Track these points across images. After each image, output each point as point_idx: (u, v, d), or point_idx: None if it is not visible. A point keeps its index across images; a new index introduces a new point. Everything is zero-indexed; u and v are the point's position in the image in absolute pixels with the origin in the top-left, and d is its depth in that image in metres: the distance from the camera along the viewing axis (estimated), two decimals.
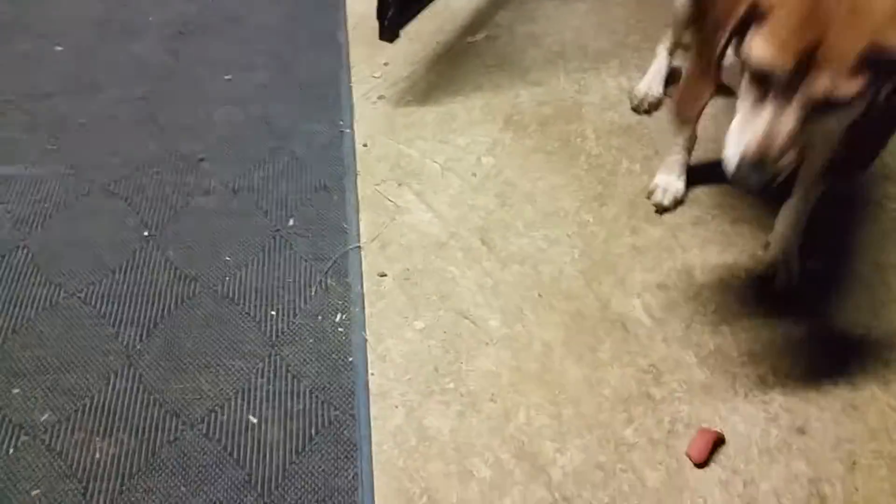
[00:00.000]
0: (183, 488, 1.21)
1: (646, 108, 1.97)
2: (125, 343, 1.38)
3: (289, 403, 1.33)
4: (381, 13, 1.88)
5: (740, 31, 1.07)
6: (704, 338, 1.46)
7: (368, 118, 1.96)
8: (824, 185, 1.50)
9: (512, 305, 1.52)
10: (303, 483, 1.22)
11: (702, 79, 1.19)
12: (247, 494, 1.21)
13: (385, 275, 1.57)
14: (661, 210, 1.70)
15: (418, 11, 2.09)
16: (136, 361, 1.36)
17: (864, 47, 0.96)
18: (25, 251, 1.54)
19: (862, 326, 1.50)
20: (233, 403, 1.32)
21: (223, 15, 2.31)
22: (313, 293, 1.51)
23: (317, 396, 1.34)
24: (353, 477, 1.23)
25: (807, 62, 0.98)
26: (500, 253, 1.62)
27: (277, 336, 1.43)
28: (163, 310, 1.45)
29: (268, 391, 1.34)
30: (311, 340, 1.43)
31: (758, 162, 1.05)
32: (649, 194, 1.73)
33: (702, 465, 1.25)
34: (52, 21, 2.20)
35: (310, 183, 1.75)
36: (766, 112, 1.05)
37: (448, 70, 2.14)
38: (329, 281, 1.54)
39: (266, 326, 1.44)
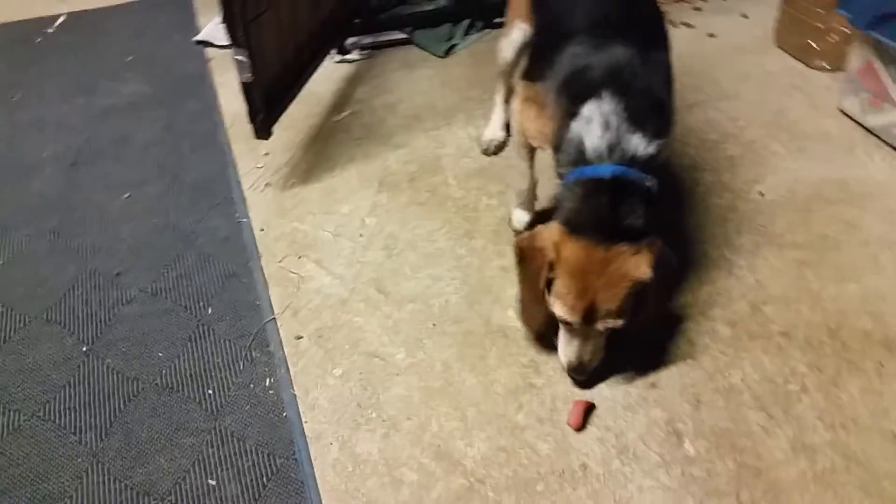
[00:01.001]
0: None
1: (493, 151, 2.31)
2: (88, 445, 1.59)
3: (239, 462, 1.55)
4: (252, 116, 2.15)
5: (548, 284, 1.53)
6: None
7: (260, 205, 2.22)
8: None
9: (412, 338, 1.79)
10: None
11: (534, 305, 1.59)
12: None
13: (301, 337, 1.82)
14: (518, 233, 2.02)
15: (285, 108, 2.37)
16: (102, 458, 1.56)
17: (617, 304, 1.45)
18: None
19: (689, 291, 1.84)
20: (192, 473, 1.54)
21: (110, 139, 2.55)
22: (242, 367, 1.75)
23: (262, 451, 1.57)
24: None
25: (590, 313, 1.47)
26: (395, 297, 1.90)
27: (218, 410, 1.66)
28: (115, 410, 1.66)
29: (219, 457, 1.56)
30: (247, 407, 1.66)
31: (579, 367, 1.58)
32: (509, 222, 2.05)
33: (580, 429, 1.55)
34: None
35: (219, 273, 2.00)
36: (575, 341, 1.56)
37: (322, 149, 2.43)
38: (253, 353, 1.78)
39: (207, 404, 1.67)
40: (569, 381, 1.66)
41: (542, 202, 2.07)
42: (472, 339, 1.78)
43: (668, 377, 1.66)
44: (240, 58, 2.04)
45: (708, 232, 2.01)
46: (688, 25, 3.08)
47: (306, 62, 2.52)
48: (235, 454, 1.57)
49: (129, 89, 2.84)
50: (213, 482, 1.52)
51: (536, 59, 1.78)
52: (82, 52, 3.14)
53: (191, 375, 1.73)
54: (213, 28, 3.18)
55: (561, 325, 1.57)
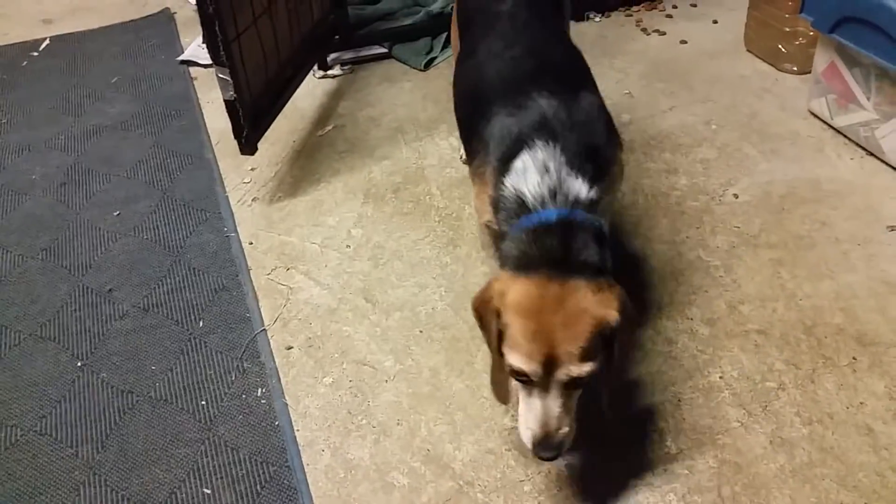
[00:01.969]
0: None
1: None
2: (85, 458, 1.62)
3: (233, 471, 1.59)
4: (237, 133, 2.20)
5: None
6: None
7: (248, 219, 2.26)
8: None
9: (400, 346, 1.84)
10: None
11: (499, 371, 1.38)
12: None
13: (291, 347, 1.86)
14: None
15: (270, 123, 2.42)
16: (98, 469, 1.60)
17: (581, 345, 1.24)
18: None
19: (667, 292, 1.90)
20: (187, 483, 1.57)
21: (99, 159, 2.58)
22: (234, 378, 1.79)
23: (255, 459, 1.61)
24: None
25: (550, 359, 1.24)
26: (383, 305, 1.95)
27: (211, 420, 1.69)
28: (110, 423, 1.69)
29: (214, 466, 1.60)
30: (240, 417, 1.70)
31: (545, 440, 1.30)
32: None
33: None
34: None
35: (209, 287, 2.04)
36: (536, 402, 1.30)
37: (308, 163, 2.48)
38: (245, 364, 1.82)
39: (200, 415, 1.71)
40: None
41: None
42: (458, 345, 1.82)
43: (649, 377, 1.71)
44: (222, 76, 2.08)
45: (684, 234, 2.07)
46: (660, 32, 3.15)
47: (289, 78, 2.56)
48: (229, 463, 1.60)
49: (116, 109, 2.88)
50: (209, 491, 1.56)
51: (469, 136, 1.69)
52: (68, 75, 3.17)
53: (184, 387, 1.77)
54: (196, 48, 3.23)
55: (519, 390, 1.35)
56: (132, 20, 3.63)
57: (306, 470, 1.58)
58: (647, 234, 2.08)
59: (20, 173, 2.54)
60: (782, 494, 1.45)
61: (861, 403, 1.60)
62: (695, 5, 3.37)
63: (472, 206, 1.97)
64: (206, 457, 1.62)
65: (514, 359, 1.28)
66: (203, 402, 1.73)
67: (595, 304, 1.27)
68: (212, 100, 2.86)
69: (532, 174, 1.40)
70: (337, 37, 3.01)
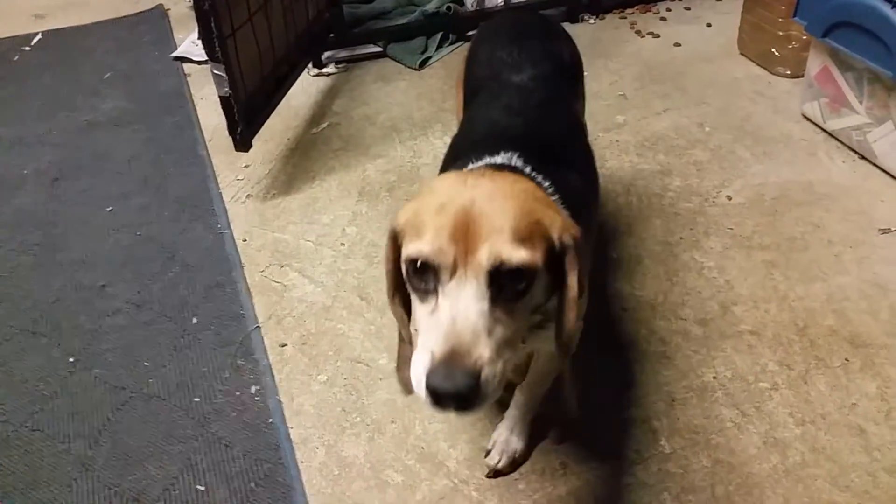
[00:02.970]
0: None
1: None
2: (78, 454, 1.61)
3: (227, 468, 1.58)
4: (232, 129, 2.20)
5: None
6: None
7: (242, 216, 2.26)
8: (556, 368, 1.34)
9: (394, 344, 1.82)
10: None
11: (402, 343, 1.16)
12: None
13: (285, 344, 1.85)
14: None
15: (264, 120, 2.42)
16: (91, 465, 1.59)
17: (510, 224, 0.91)
18: None
19: (661, 293, 1.91)
20: (181, 479, 1.56)
21: (91, 154, 2.57)
22: (227, 375, 1.78)
23: (249, 456, 1.60)
24: None
25: (468, 238, 0.90)
26: (377, 303, 1.94)
27: (205, 417, 1.69)
28: (103, 419, 1.68)
29: (208, 463, 1.59)
30: (234, 414, 1.69)
31: (450, 361, 0.84)
32: None
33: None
34: None
35: (203, 283, 2.03)
36: (444, 305, 0.89)
37: (302, 160, 2.48)
38: (239, 361, 1.81)
39: (194, 411, 1.70)
40: None
41: None
42: None
43: (643, 376, 1.71)
44: (218, 73, 2.08)
45: (678, 235, 2.08)
46: (654, 35, 3.17)
47: (284, 76, 2.56)
48: (223, 460, 1.59)
49: (109, 105, 2.87)
50: (202, 488, 1.55)
51: None
52: (60, 70, 3.15)
53: (177, 384, 1.76)
54: (190, 44, 3.22)
55: (418, 309, 0.96)
56: (125, 16, 3.62)
57: (300, 467, 1.58)
58: (640, 235, 2.09)
59: (11, 168, 2.52)
60: (775, 494, 1.46)
61: (853, 404, 1.61)
62: (689, 8, 3.39)
63: None
64: (200, 453, 1.61)
65: (412, 245, 0.92)
66: (197, 399, 1.72)
67: (540, 205, 0.98)
68: (205, 96, 2.85)
69: None
70: (332, 35, 3.01)
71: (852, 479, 1.47)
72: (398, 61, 3.04)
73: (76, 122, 2.76)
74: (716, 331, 1.80)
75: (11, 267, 2.11)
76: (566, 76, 1.65)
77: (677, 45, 3.08)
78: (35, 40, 3.41)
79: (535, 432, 1.58)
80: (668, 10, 3.37)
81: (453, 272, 0.89)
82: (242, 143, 2.24)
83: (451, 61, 3.04)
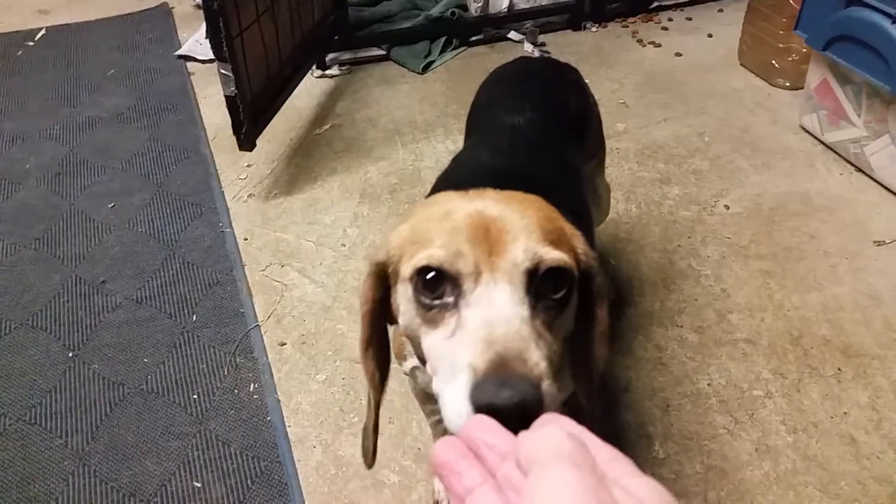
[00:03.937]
0: None
1: None
2: (75, 448, 1.62)
3: (224, 465, 1.59)
4: (237, 129, 2.21)
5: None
6: None
7: (244, 215, 2.27)
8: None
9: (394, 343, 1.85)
10: None
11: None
12: None
13: (285, 343, 1.87)
14: None
15: (269, 120, 2.43)
16: (88, 460, 1.60)
17: (543, 227, 0.79)
18: None
19: (658, 300, 1.92)
20: (177, 476, 1.57)
21: (94, 151, 2.58)
22: (226, 373, 1.79)
23: (246, 454, 1.61)
24: None
25: (493, 241, 0.76)
26: None
27: (203, 414, 1.70)
28: (101, 414, 1.69)
29: (204, 460, 1.60)
30: (232, 411, 1.70)
31: (501, 367, 0.65)
32: None
33: None
34: None
35: (203, 281, 2.04)
36: (472, 312, 0.73)
37: (304, 161, 2.49)
38: (237, 359, 1.82)
39: (192, 408, 1.71)
40: None
41: None
42: None
43: (639, 382, 1.73)
44: (224, 72, 2.09)
45: (675, 243, 2.10)
46: (655, 44, 3.19)
47: (289, 77, 2.57)
48: (220, 457, 1.61)
49: (112, 102, 2.88)
50: (199, 484, 1.56)
51: None
52: (64, 66, 3.16)
53: (176, 381, 1.77)
54: (194, 43, 3.23)
55: (424, 332, 0.79)
56: (130, 13, 3.63)
57: (297, 466, 1.59)
58: (639, 243, 2.10)
59: (14, 162, 2.53)
60: (766, 500, 1.48)
61: (845, 413, 1.63)
62: (690, 19, 3.41)
63: None
64: (197, 450, 1.62)
65: (420, 254, 0.77)
66: (195, 396, 1.73)
67: (558, 215, 0.87)
68: (209, 95, 2.86)
69: None
70: (336, 37, 3.02)
71: (842, 487, 1.49)
72: (401, 65, 3.06)
73: (79, 118, 2.77)
74: (711, 338, 1.82)
75: (12, 261, 2.12)
76: (568, 126, 1.53)
77: (678, 54, 3.10)
78: (39, 36, 3.42)
79: None
80: (670, 19, 3.40)
81: (477, 279, 0.74)
82: (247, 142, 2.25)
83: (454, 66, 3.05)
